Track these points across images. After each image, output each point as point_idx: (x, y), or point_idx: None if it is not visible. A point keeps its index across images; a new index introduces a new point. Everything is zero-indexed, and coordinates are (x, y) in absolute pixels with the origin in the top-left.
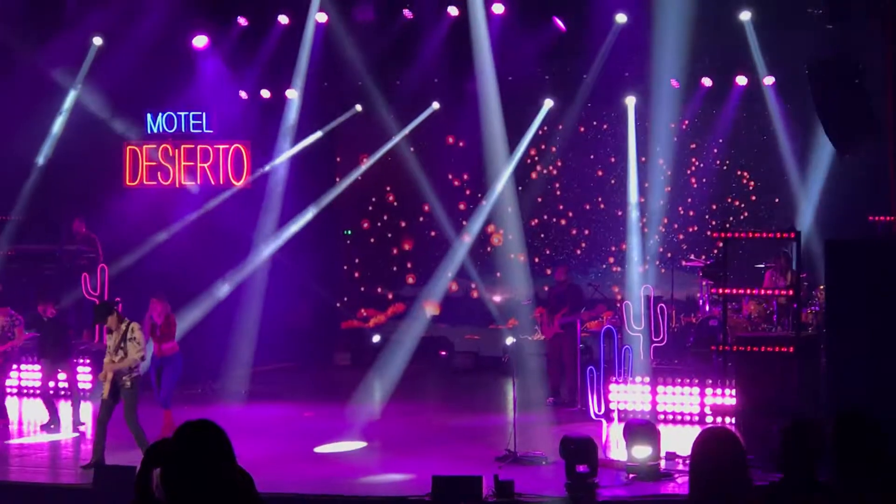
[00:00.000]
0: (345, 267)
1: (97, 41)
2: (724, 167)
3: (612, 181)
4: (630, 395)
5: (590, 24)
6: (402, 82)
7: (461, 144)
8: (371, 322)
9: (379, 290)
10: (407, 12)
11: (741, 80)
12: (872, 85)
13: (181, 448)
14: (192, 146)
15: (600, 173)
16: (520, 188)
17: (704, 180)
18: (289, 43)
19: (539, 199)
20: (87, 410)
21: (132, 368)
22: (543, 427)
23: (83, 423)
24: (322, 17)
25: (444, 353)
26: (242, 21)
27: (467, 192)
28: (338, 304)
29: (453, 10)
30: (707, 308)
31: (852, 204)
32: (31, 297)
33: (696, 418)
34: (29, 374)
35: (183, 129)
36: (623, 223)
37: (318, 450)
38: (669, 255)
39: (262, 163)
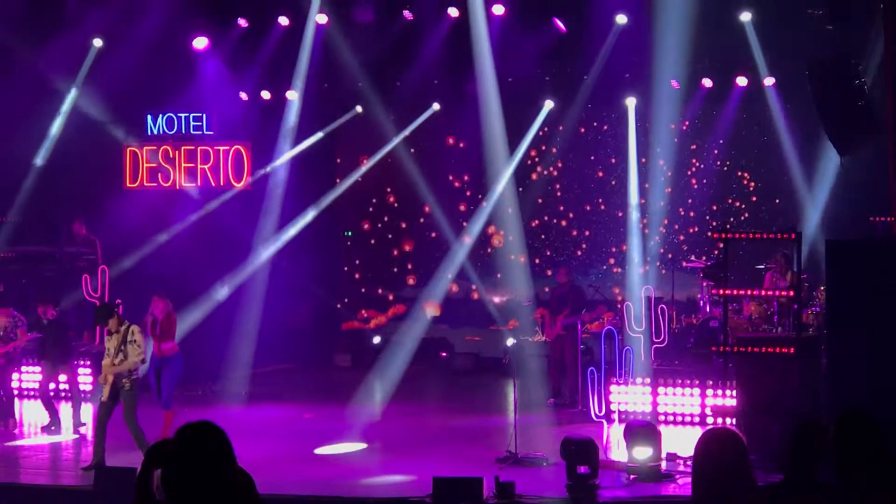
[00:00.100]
0: (345, 268)
1: (97, 42)
2: (725, 168)
3: (613, 182)
4: (631, 395)
5: (590, 25)
6: (402, 83)
7: (461, 145)
8: (372, 323)
9: (379, 291)
10: (407, 13)
11: (741, 81)
12: (872, 85)
13: (182, 449)
14: (193, 147)
15: (601, 174)
16: (520, 189)
17: (705, 181)
18: (289, 44)
19: (539, 201)
20: (87, 412)
21: (132, 371)
22: (544, 428)
23: (84, 425)
24: (322, 19)
25: (444, 354)
26: (242, 22)
27: (468, 194)
28: (338, 306)
29: (453, 11)
30: (708, 309)
31: (856, 205)
32: (32, 299)
33: (697, 419)
34: (29, 375)
35: (183, 131)
36: (624, 224)
37: (318, 451)
38: (670, 256)
39: (262, 164)
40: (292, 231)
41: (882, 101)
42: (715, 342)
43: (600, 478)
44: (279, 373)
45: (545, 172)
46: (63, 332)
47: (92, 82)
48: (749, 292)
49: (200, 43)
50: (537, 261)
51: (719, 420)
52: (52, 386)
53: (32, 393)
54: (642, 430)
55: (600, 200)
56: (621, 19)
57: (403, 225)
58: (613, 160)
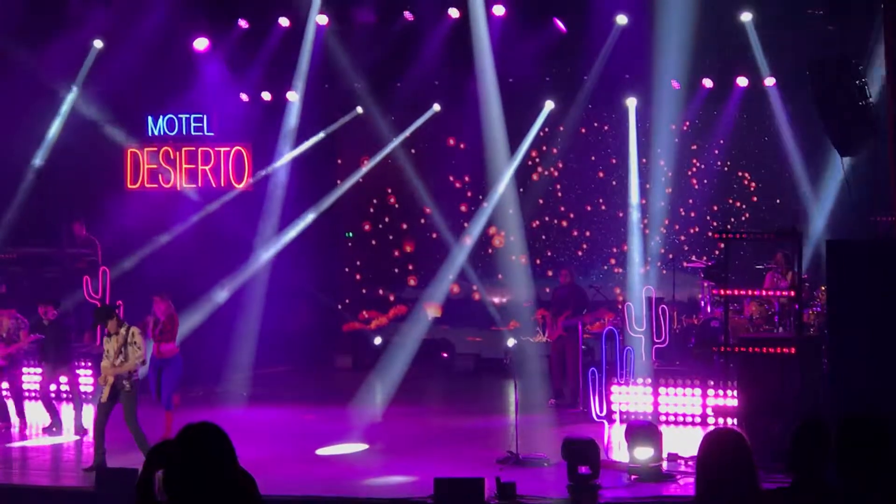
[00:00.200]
0: (346, 269)
1: (97, 44)
2: (726, 168)
3: (614, 182)
4: (632, 396)
5: (590, 25)
6: (403, 84)
7: (462, 146)
8: (373, 324)
9: (380, 292)
10: (407, 14)
11: (742, 81)
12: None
13: (183, 450)
14: (193, 149)
15: (601, 175)
16: (521, 190)
17: (705, 181)
18: (290, 45)
19: (540, 201)
20: (89, 413)
21: (132, 372)
22: (545, 428)
23: (86, 432)
24: (323, 20)
25: (445, 354)
26: (243, 23)
27: (468, 194)
28: (339, 307)
29: (454, 12)
30: (708, 309)
31: (860, 205)
32: (32, 300)
33: (698, 419)
34: (30, 377)
35: (184, 132)
36: (624, 224)
37: (320, 452)
38: (671, 256)
39: (262, 165)
40: (293, 232)
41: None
42: (716, 342)
43: (601, 478)
44: (280, 374)
45: (546, 173)
46: (64, 334)
47: (92, 83)
48: (750, 292)
49: (201, 44)
50: (538, 261)
51: (720, 420)
52: (52, 387)
53: (33, 394)
54: (643, 430)
55: (601, 201)
56: (622, 20)
57: (404, 226)
58: (614, 160)
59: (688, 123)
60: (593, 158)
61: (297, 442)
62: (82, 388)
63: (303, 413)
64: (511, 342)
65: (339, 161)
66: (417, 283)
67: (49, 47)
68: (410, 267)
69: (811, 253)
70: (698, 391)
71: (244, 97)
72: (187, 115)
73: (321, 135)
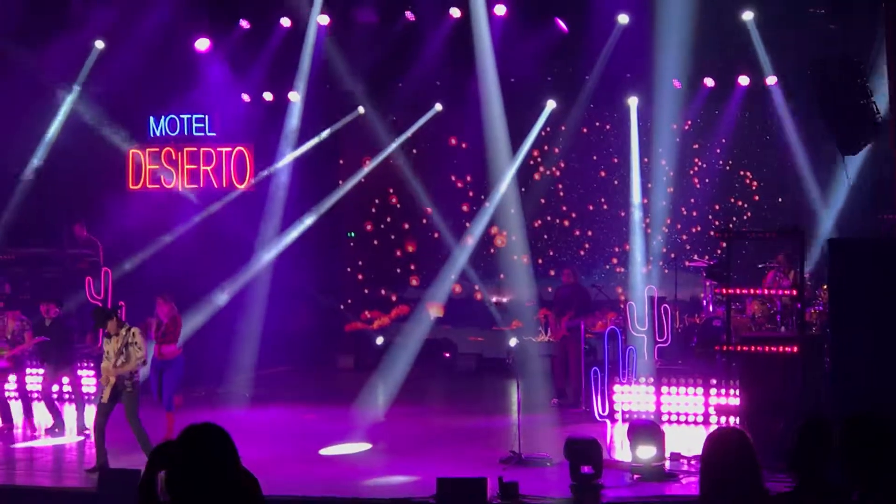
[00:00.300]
0: (348, 269)
1: (99, 44)
2: (727, 167)
3: (615, 182)
4: (634, 395)
5: (591, 24)
6: (404, 84)
7: (464, 146)
8: (375, 324)
9: (382, 292)
10: (409, 14)
11: (743, 80)
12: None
13: (185, 451)
14: (195, 149)
15: (603, 174)
16: (522, 189)
17: (707, 180)
18: (291, 45)
19: (542, 201)
20: (91, 414)
21: (133, 373)
22: (547, 428)
23: (87, 427)
24: (324, 20)
25: (447, 354)
26: (245, 24)
27: (470, 194)
28: (341, 307)
29: (455, 12)
30: (711, 308)
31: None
32: (34, 301)
33: (701, 419)
34: (32, 377)
35: (185, 133)
36: (626, 224)
37: (322, 452)
38: (673, 255)
39: (264, 165)
40: (294, 233)
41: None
42: (718, 341)
43: (604, 478)
44: (282, 374)
45: (547, 172)
46: (65, 335)
47: (93, 84)
48: (752, 291)
49: (203, 44)
50: (540, 261)
51: (722, 419)
52: (55, 388)
53: (36, 395)
54: (646, 429)
55: (603, 200)
56: (623, 19)
57: (406, 226)
58: (616, 160)
59: (689, 122)
60: (595, 158)
61: (299, 442)
62: (84, 389)
63: (305, 413)
64: (513, 342)
65: (341, 161)
66: (419, 283)
67: (50, 47)
68: (412, 267)
69: (818, 253)
70: (701, 390)
71: (246, 97)
72: (189, 116)
73: (325, 134)
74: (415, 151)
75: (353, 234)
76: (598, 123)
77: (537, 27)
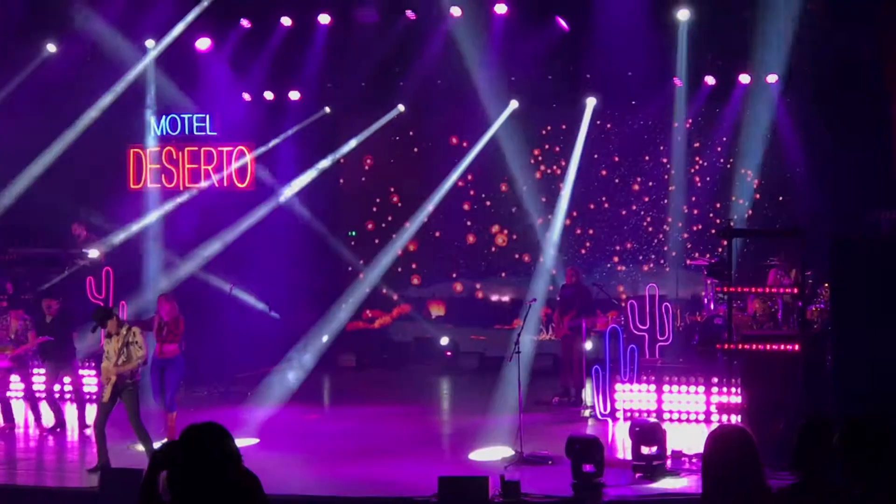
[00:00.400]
0: (349, 268)
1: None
2: (728, 165)
3: (616, 180)
4: (636, 394)
5: (592, 23)
6: (405, 83)
7: (465, 145)
8: (376, 323)
9: (384, 291)
10: (409, 13)
11: (744, 79)
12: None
13: (187, 450)
14: (196, 148)
15: (604, 173)
16: (524, 188)
17: (708, 179)
18: (292, 44)
19: (543, 199)
20: (92, 413)
21: (134, 371)
22: (549, 427)
23: (88, 426)
24: (325, 19)
25: (449, 353)
26: (245, 23)
27: (471, 193)
28: (342, 306)
29: (456, 11)
30: (712, 306)
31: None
32: (36, 299)
33: (702, 417)
34: (38, 377)
35: (187, 132)
36: (627, 222)
37: (324, 451)
38: (674, 253)
39: (265, 164)
40: (295, 231)
41: (886, 97)
42: (719, 340)
43: (605, 476)
44: (283, 374)
45: (549, 171)
46: (66, 332)
47: (96, 83)
48: (753, 290)
49: (203, 44)
50: (541, 259)
51: (724, 418)
52: (56, 388)
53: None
54: (647, 428)
55: (604, 199)
56: (623, 18)
57: (407, 224)
58: (616, 158)
59: (690, 121)
60: (596, 156)
61: (301, 441)
62: (85, 389)
63: (306, 413)
64: (515, 341)
65: (342, 160)
66: (421, 281)
67: (54, 45)
68: (414, 266)
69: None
70: (702, 389)
71: (247, 97)
72: (190, 115)
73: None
74: (415, 150)
75: (354, 233)
76: (598, 122)
77: (538, 26)
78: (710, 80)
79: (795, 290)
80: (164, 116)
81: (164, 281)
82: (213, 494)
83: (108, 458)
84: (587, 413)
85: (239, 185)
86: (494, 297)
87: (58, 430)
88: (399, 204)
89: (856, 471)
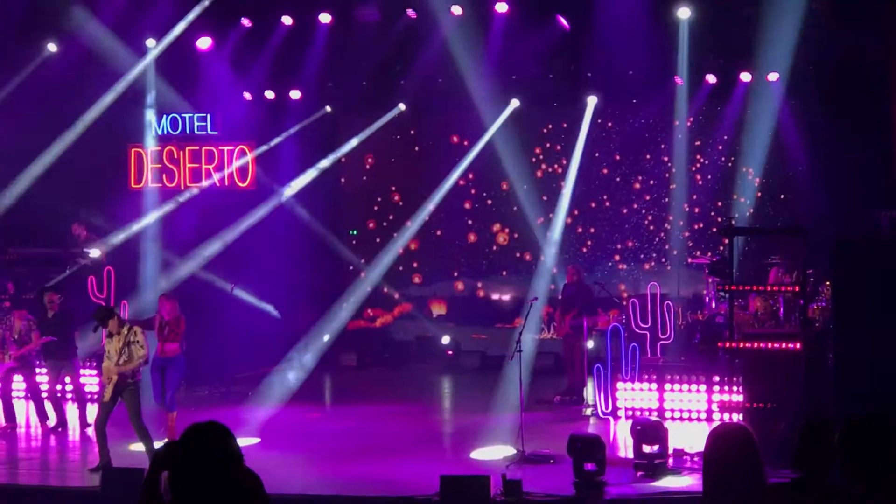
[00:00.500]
0: (350, 267)
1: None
2: (730, 164)
3: (617, 179)
4: (637, 392)
5: (593, 22)
6: (406, 82)
7: (466, 143)
8: (378, 322)
9: (385, 290)
10: (411, 12)
11: (745, 77)
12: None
13: (188, 450)
14: (197, 148)
15: (605, 171)
16: (525, 187)
17: (709, 177)
18: (293, 43)
19: (544, 198)
20: (93, 413)
21: (135, 371)
22: (551, 426)
23: (90, 425)
24: (326, 18)
25: (450, 352)
26: (246, 22)
27: (472, 192)
28: (344, 305)
29: (457, 10)
30: (713, 305)
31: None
32: (38, 298)
33: (704, 415)
34: (42, 377)
35: (188, 131)
36: (628, 221)
37: (326, 451)
38: (675, 252)
39: (266, 164)
40: (296, 231)
41: (886, 97)
42: (721, 338)
43: (607, 475)
44: (284, 373)
45: (550, 170)
46: (68, 329)
47: (96, 83)
48: (755, 288)
49: (204, 43)
50: (542, 258)
51: (725, 416)
52: (57, 387)
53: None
54: (649, 426)
55: (605, 197)
56: (624, 17)
57: (408, 223)
58: (617, 157)
59: (691, 119)
60: (597, 155)
61: (302, 440)
62: (87, 388)
63: (308, 412)
64: (516, 339)
65: (343, 159)
66: (422, 280)
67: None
68: (415, 265)
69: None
70: (703, 387)
71: (247, 96)
72: (191, 115)
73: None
74: (416, 149)
75: (355, 232)
76: (599, 120)
77: (539, 25)
78: (711, 78)
79: (797, 289)
80: (164, 116)
81: (164, 281)
82: (215, 494)
83: (110, 458)
84: (589, 412)
85: (240, 185)
86: (496, 296)
87: (59, 429)
88: (400, 203)
89: (856, 471)
